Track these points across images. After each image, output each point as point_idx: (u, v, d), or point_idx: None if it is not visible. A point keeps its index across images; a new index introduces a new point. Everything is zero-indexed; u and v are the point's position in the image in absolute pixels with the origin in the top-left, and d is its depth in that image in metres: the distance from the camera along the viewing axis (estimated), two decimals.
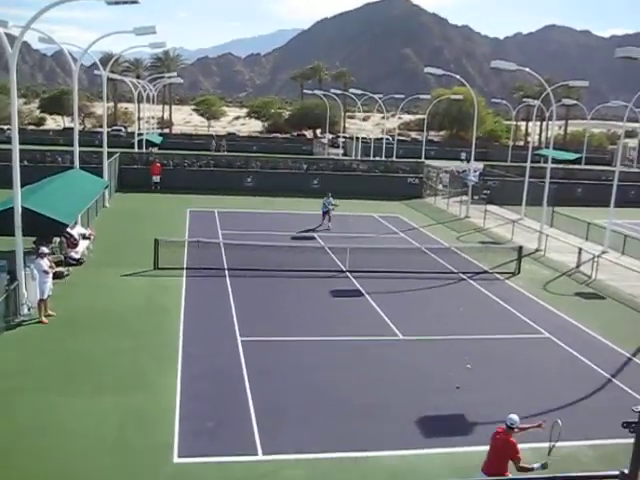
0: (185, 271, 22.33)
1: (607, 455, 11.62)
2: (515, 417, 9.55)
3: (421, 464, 11.24)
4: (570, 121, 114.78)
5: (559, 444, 9.02)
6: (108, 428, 11.77)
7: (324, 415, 12.69)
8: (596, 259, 25.03)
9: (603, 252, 27.85)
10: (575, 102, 74.74)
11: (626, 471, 5.11)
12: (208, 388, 13.56)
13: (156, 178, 41.41)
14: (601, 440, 12.11)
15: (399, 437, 12.01)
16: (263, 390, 13.57)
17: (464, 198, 39.51)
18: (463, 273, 24.26)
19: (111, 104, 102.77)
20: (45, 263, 17.56)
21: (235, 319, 17.81)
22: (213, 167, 43.49)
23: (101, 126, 44.28)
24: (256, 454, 11.21)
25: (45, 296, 17.27)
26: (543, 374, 15.28)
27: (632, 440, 5.21)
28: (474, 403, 13.39)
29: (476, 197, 42.38)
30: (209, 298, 19.76)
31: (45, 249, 18.18)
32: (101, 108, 48.77)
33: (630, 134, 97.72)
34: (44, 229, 18.28)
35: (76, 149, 27.93)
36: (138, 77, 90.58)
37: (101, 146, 34.65)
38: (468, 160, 70.26)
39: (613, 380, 15.13)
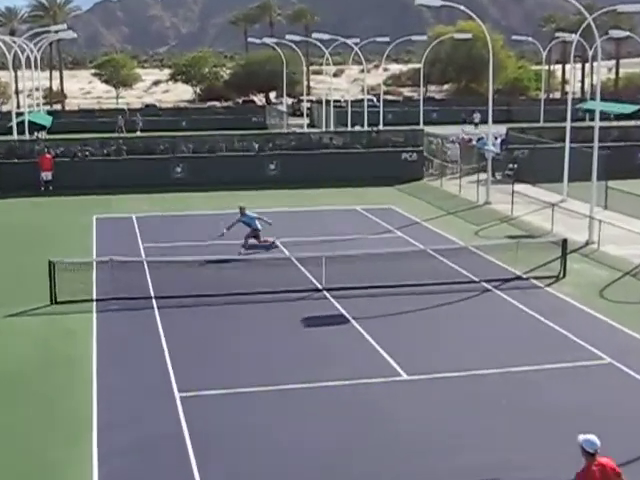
0: (95, 304, 22.17)
1: None
2: (595, 439, 9.94)
3: None
4: (623, 60, 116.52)
5: None
6: None
7: None
8: None
9: None
10: (627, 34, 75.75)
11: None
12: (136, 468, 13.44)
13: (46, 175, 41.07)
14: None
15: None
16: (215, 465, 13.49)
17: (482, 177, 39.74)
18: (487, 281, 24.38)
19: None
20: None
21: (170, 368, 17.69)
22: (127, 155, 43.22)
23: None
24: None
25: None
26: (607, 416, 15.37)
27: None
28: (514, 466, 13.39)
29: (499, 174, 42.59)
30: (132, 340, 19.63)
31: None
32: None
33: None
34: None
35: None
36: (12, 33, 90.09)
37: None
38: (477, 124, 71.09)
39: None
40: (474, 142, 49.16)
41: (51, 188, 40.80)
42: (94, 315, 21.41)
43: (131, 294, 22.58)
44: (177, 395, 16.22)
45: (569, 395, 16.33)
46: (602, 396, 16.34)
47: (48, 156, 41.52)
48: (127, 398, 16.19)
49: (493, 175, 39.79)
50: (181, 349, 18.91)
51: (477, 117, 73.46)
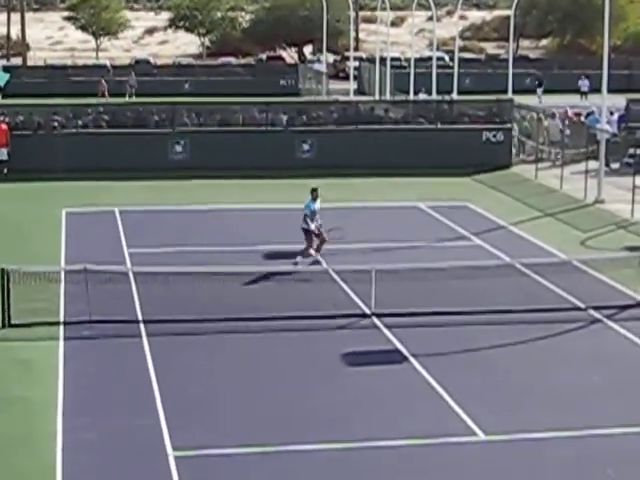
0: (63, 329, 22.23)
1: None
2: None
3: None
4: None
5: None
6: None
7: None
8: None
9: None
10: None
11: None
12: None
13: (1, 153, 41.28)
14: None
15: None
16: None
17: (592, 166, 39.46)
18: (597, 309, 24.18)
19: None
20: None
21: (162, 417, 17.64)
22: (109, 128, 43.35)
23: None
24: None
25: None
26: None
27: None
28: None
29: (615, 164, 42.21)
30: (111, 379, 19.61)
31: None
32: None
33: None
34: None
35: None
36: None
37: None
38: (585, 93, 70.52)
39: None
40: (582, 118, 48.82)
41: (6, 171, 40.99)
42: (61, 343, 21.41)
43: (111, 316, 22.60)
44: (170, 454, 16.11)
45: None
46: None
47: (3, 127, 41.81)
48: (103, 457, 16.07)
49: (607, 164, 39.49)
50: (177, 392, 18.85)
51: (585, 84, 72.93)
